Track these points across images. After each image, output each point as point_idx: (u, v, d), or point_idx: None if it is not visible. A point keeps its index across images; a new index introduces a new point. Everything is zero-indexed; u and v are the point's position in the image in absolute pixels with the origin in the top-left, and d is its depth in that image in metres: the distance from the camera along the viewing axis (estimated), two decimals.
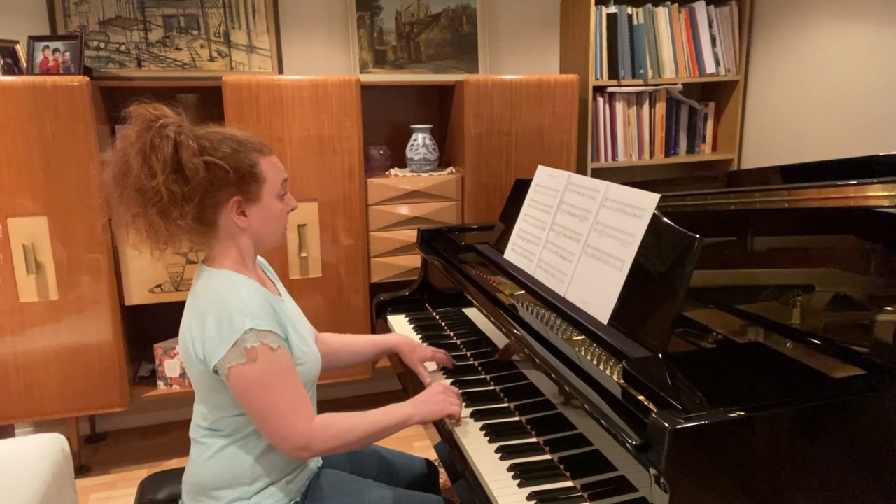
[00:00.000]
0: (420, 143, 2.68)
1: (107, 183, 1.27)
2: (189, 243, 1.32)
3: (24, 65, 2.38)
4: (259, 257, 1.47)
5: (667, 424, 0.92)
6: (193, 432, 1.36)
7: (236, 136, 1.31)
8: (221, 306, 1.23)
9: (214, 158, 1.24)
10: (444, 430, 1.44)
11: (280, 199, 1.35)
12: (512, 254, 1.87)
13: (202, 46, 2.65)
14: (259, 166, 1.30)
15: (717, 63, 2.99)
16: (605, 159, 2.97)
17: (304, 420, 1.26)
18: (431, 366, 1.73)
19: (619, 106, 2.94)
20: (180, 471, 1.47)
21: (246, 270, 1.33)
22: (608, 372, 1.18)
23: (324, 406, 1.44)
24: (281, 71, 2.75)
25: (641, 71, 2.90)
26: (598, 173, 3.00)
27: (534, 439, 1.36)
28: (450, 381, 1.65)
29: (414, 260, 2.68)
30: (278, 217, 1.36)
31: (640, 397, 1.05)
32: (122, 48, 2.57)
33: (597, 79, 2.86)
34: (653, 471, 0.93)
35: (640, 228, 1.36)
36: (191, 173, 1.22)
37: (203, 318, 1.23)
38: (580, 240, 1.55)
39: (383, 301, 2.23)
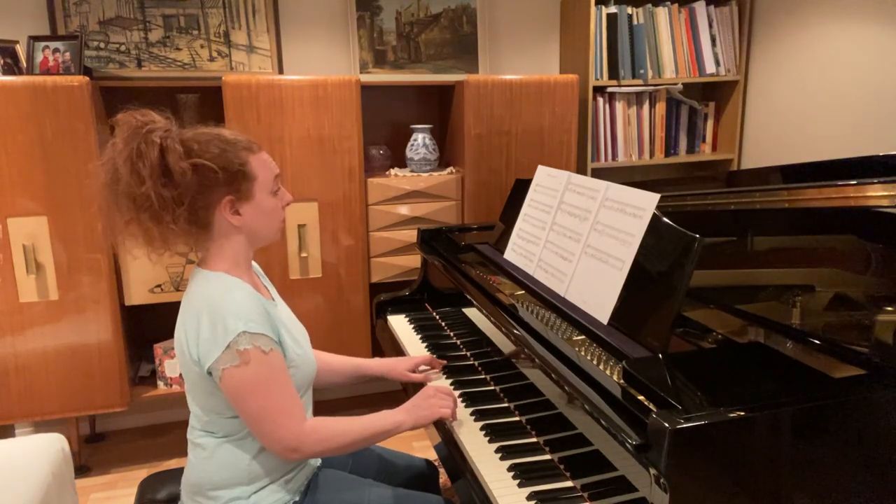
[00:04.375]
0: (420, 143, 2.68)
1: (100, 191, 1.27)
2: (184, 246, 1.33)
3: (24, 65, 2.38)
4: (253, 263, 1.47)
5: (667, 424, 0.92)
6: (190, 434, 1.36)
7: (224, 135, 1.30)
8: (215, 308, 1.23)
9: (202, 160, 1.24)
10: (444, 430, 1.44)
11: (273, 194, 1.35)
12: (512, 254, 1.87)
13: (202, 46, 2.65)
14: (249, 164, 1.30)
15: (717, 63, 2.99)
16: (605, 159, 2.97)
17: (295, 422, 1.26)
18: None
19: (619, 106, 2.94)
20: (180, 471, 1.47)
21: (240, 273, 1.33)
22: (608, 372, 1.18)
23: (321, 406, 1.45)
24: (281, 71, 2.75)
25: (641, 71, 2.90)
26: (598, 173, 2.99)
27: (534, 439, 1.36)
28: (450, 381, 1.65)
29: (414, 260, 2.68)
30: (273, 213, 1.35)
31: (640, 397, 1.05)
32: (122, 48, 2.57)
33: (597, 79, 2.86)
34: (653, 471, 0.93)
35: (640, 228, 1.36)
36: (178, 177, 1.22)
37: (197, 321, 1.24)
38: (580, 240, 1.55)
39: (383, 301, 2.23)
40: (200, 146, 1.26)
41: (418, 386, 1.65)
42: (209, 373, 1.24)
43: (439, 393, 1.45)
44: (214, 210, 1.28)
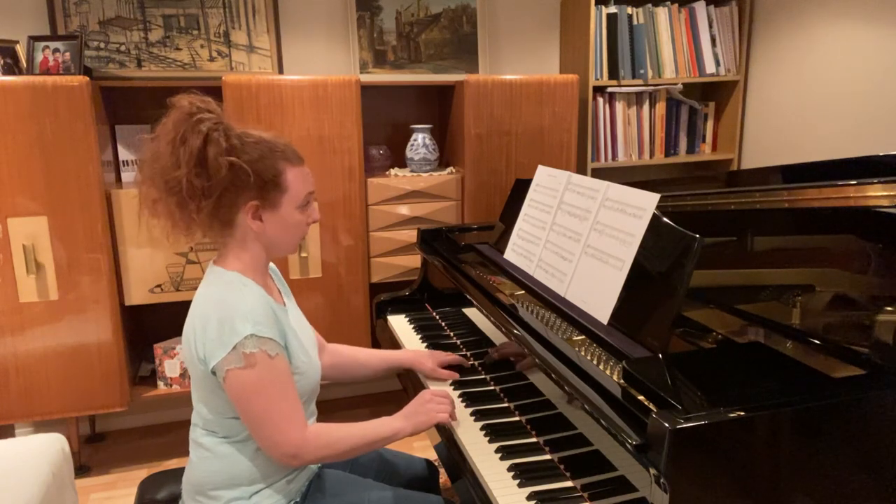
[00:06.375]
0: (420, 143, 2.68)
1: (141, 165, 1.29)
2: (205, 237, 1.34)
3: (24, 65, 2.38)
4: (271, 264, 1.47)
5: (667, 424, 0.92)
6: (192, 433, 1.37)
7: (269, 141, 1.31)
8: (225, 309, 1.23)
9: (239, 160, 1.25)
10: (444, 430, 1.44)
11: (301, 210, 1.35)
12: (512, 254, 1.87)
13: (202, 46, 2.65)
14: (284, 175, 1.30)
15: (717, 63, 2.99)
16: (605, 159, 2.97)
17: (296, 428, 1.26)
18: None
19: (619, 106, 2.94)
20: (180, 471, 1.47)
21: (254, 275, 1.33)
22: (608, 372, 1.18)
23: (323, 405, 1.45)
24: (281, 71, 2.75)
25: (641, 71, 2.90)
26: (598, 173, 3.00)
27: (534, 439, 1.36)
28: (450, 381, 1.65)
29: (414, 260, 2.68)
30: (295, 228, 1.35)
31: (640, 397, 1.05)
32: (122, 48, 2.57)
33: (597, 79, 2.86)
34: (653, 471, 0.93)
35: (640, 228, 1.36)
36: (213, 170, 1.23)
37: (206, 319, 1.24)
38: (580, 240, 1.55)
39: (383, 301, 2.23)
40: (242, 146, 1.27)
41: (420, 385, 1.65)
42: (213, 372, 1.24)
43: (436, 397, 1.44)
44: (238, 211, 1.29)
